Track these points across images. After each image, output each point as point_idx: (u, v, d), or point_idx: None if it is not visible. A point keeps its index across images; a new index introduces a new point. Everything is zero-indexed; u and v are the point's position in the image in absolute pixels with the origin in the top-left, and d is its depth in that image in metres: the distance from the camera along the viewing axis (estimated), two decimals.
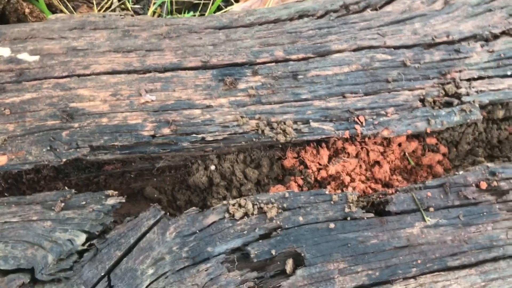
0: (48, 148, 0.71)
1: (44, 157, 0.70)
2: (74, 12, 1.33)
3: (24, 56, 0.79)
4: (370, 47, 0.83)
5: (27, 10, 1.24)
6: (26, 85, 0.76)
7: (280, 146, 0.78)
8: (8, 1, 1.16)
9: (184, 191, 0.80)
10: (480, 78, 0.82)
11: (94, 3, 1.31)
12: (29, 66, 0.78)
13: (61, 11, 1.30)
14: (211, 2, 1.36)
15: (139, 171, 0.79)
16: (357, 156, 0.78)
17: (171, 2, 1.35)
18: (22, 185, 0.77)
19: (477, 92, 0.80)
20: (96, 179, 0.78)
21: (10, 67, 0.78)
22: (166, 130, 0.73)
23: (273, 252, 0.67)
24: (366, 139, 0.78)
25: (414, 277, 0.67)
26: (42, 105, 0.74)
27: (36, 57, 0.79)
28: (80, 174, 0.77)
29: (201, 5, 1.37)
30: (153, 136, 0.73)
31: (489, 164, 0.75)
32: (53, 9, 1.30)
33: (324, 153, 0.78)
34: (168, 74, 0.78)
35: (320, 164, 0.78)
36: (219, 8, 1.38)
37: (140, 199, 0.79)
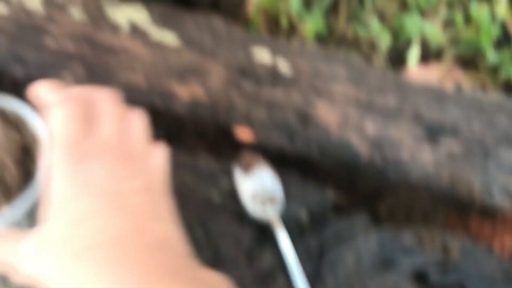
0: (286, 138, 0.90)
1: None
2: None
3: (281, 64, 1.00)
4: None
5: None
6: (278, 87, 0.97)
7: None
8: None
9: None
10: None
11: None
12: (283, 74, 0.99)
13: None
14: None
15: None
16: None
17: None
18: None
19: None
20: None
21: (268, 69, 0.99)
22: (377, 157, 0.90)
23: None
24: None
25: None
26: (287, 105, 0.94)
27: (290, 70, 1.00)
28: None
29: None
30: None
31: None
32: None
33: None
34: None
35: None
36: None
37: None
